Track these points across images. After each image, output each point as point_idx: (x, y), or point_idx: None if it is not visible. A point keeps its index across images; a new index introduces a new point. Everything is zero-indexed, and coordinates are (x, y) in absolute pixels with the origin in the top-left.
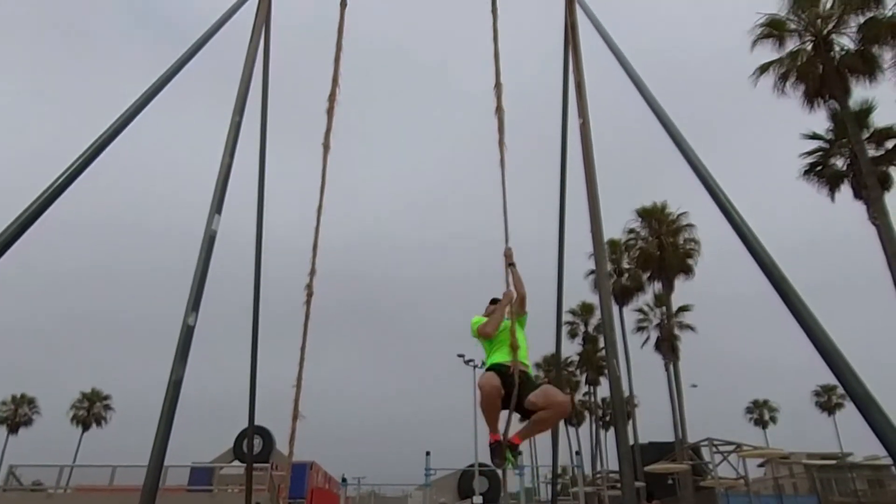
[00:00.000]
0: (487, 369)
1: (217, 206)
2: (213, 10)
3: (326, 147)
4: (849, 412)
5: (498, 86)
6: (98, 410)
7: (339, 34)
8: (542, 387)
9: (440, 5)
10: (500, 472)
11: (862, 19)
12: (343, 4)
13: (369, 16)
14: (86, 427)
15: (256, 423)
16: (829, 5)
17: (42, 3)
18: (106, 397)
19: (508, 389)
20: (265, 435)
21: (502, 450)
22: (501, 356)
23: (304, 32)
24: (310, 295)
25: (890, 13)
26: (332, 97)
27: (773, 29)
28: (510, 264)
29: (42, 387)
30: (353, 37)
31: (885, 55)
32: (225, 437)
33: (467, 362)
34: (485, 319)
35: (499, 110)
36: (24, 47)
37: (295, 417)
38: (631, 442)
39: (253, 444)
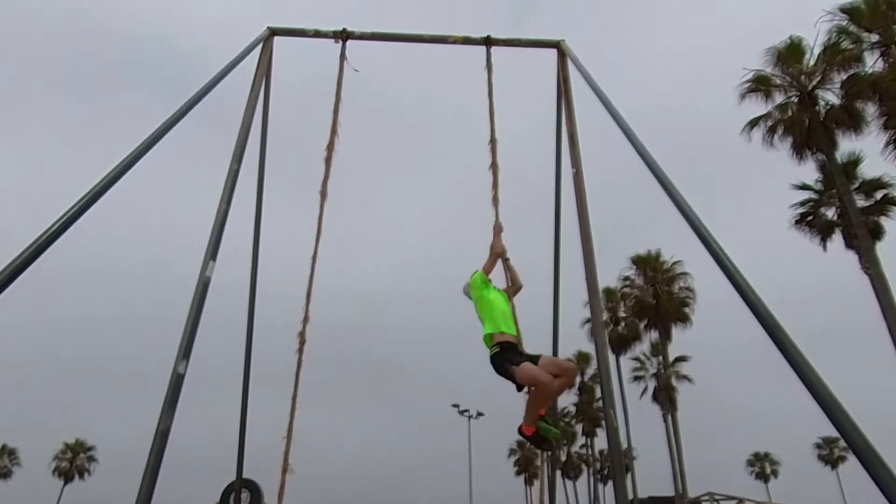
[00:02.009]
0: (499, 345)
1: (212, 252)
2: (215, 60)
3: (323, 195)
4: (852, 465)
5: (493, 141)
6: (81, 462)
7: (338, 86)
8: (545, 357)
9: (439, 59)
10: None
11: (844, 75)
12: (342, 56)
13: (370, 68)
14: (68, 479)
15: (244, 475)
16: (812, 62)
17: (42, 53)
18: (90, 448)
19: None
20: (253, 489)
21: (542, 435)
22: (506, 328)
23: (305, 83)
24: (302, 343)
25: (870, 70)
26: (329, 146)
27: (760, 84)
28: (506, 259)
29: (24, 437)
30: (352, 87)
31: (869, 109)
32: (211, 490)
33: (462, 412)
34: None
35: (493, 166)
36: (29, 96)
37: (285, 470)
38: (630, 496)
39: (240, 499)
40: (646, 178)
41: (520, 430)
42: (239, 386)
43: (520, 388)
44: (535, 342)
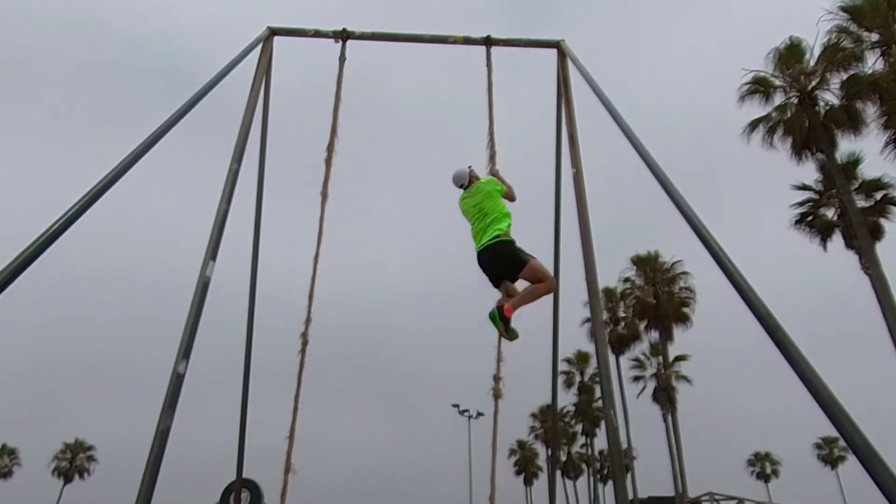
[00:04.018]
0: (514, 241)
1: (212, 252)
2: (215, 60)
3: (324, 196)
4: (852, 465)
5: (491, 134)
6: (81, 462)
7: (337, 86)
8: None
9: (438, 60)
10: None
11: (844, 76)
12: (342, 58)
13: (369, 70)
14: (68, 479)
15: (244, 475)
16: (811, 63)
17: (42, 52)
18: (90, 448)
19: None
20: (253, 489)
21: (510, 325)
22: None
23: (305, 83)
24: (305, 343)
25: (870, 70)
26: (330, 147)
27: (759, 85)
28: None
29: (24, 437)
30: (354, 87)
31: (869, 110)
32: (211, 490)
33: (462, 412)
34: (499, 183)
35: (492, 160)
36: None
37: (287, 471)
38: (630, 496)
39: (240, 499)
40: (646, 178)
41: (501, 309)
42: (239, 386)
43: (513, 280)
44: (534, 341)
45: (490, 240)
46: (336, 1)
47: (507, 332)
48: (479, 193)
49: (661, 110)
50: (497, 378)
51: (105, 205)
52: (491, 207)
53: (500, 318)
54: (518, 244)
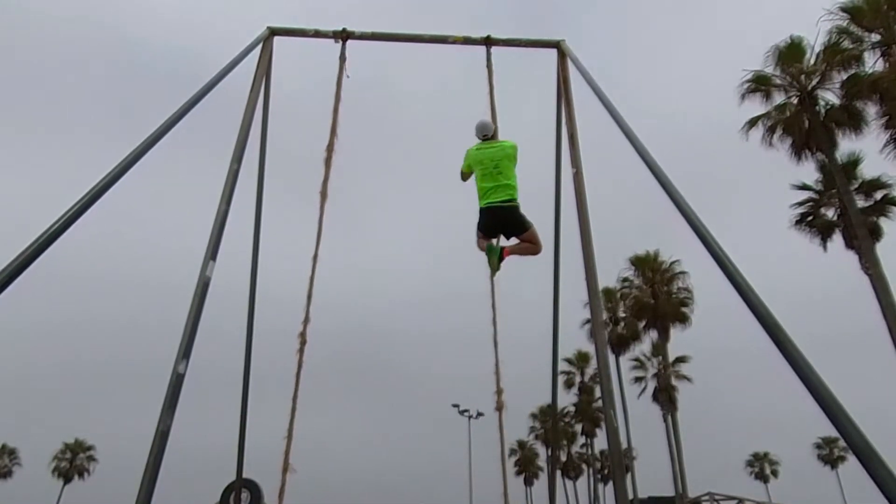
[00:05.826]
0: (520, 206)
1: (212, 252)
2: (215, 60)
3: (323, 196)
4: (852, 466)
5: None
6: (81, 462)
7: (337, 86)
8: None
9: (438, 61)
10: None
11: (845, 75)
12: (342, 57)
13: (373, 70)
14: (67, 479)
15: (244, 475)
16: (812, 62)
17: (42, 54)
18: (90, 448)
19: None
20: (253, 489)
21: (501, 261)
22: None
23: (305, 83)
24: (303, 343)
25: (870, 70)
26: (329, 147)
27: (760, 84)
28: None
29: (24, 437)
30: (356, 88)
31: (869, 110)
32: (211, 490)
33: (462, 412)
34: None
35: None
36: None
37: (285, 470)
38: (630, 496)
39: (240, 499)
40: (646, 178)
41: (502, 249)
42: (239, 386)
43: (509, 237)
44: (534, 341)
45: (505, 200)
46: (336, 1)
47: (497, 266)
48: (500, 151)
49: (661, 110)
50: (499, 392)
51: (105, 205)
52: (507, 171)
53: (500, 256)
54: (522, 210)
